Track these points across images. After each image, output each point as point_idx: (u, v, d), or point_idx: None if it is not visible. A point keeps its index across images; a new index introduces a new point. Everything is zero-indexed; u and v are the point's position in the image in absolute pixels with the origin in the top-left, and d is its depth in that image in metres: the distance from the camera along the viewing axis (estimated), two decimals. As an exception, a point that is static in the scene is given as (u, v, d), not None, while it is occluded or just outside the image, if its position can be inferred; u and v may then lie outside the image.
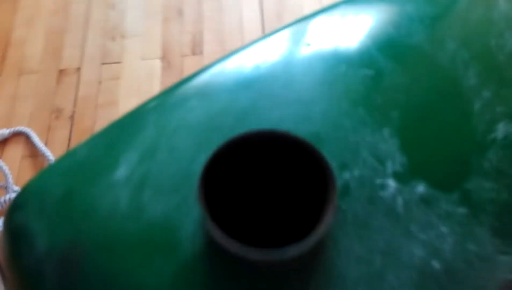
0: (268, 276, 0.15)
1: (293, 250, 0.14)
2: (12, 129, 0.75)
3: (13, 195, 0.68)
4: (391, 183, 0.18)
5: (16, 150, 0.74)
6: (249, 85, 0.23)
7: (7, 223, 0.21)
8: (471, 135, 0.20)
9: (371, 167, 0.18)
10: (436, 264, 0.17)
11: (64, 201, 0.18)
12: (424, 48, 0.24)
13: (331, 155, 0.18)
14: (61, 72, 0.80)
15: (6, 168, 0.70)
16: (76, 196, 0.18)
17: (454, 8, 0.24)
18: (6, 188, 0.69)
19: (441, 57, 0.22)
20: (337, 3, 0.27)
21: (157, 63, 0.79)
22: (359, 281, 0.17)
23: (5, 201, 0.67)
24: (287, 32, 0.26)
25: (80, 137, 0.74)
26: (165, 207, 0.18)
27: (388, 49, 0.24)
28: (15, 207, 0.20)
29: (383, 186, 0.18)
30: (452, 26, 0.24)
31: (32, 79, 0.80)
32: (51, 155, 0.71)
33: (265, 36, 0.27)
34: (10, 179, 0.70)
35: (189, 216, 0.17)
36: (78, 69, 0.80)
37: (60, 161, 0.20)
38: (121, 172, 0.18)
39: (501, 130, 0.20)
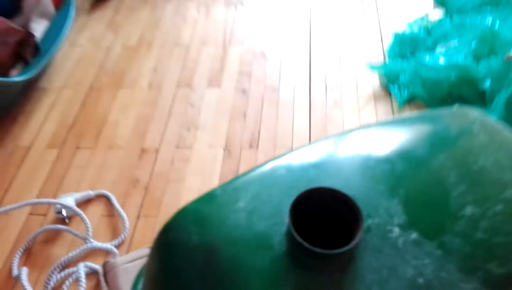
0: (325, 268, 0.28)
1: (342, 249, 0.27)
2: (97, 192, 0.91)
3: (89, 245, 0.82)
4: (396, 230, 0.31)
5: (97, 209, 0.89)
6: (305, 171, 0.37)
7: (161, 241, 0.34)
8: (449, 211, 0.33)
9: (384, 219, 0.31)
10: (420, 280, 0.29)
11: (206, 220, 0.32)
12: (426, 159, 0.38)
13: (362, 209, 0.31)
14: (143, 150, 0.98)
15: (88, 222, 0.86)
16: (213, 217, 0.32)
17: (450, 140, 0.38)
18: (85, 239, 0.83)
19: (434, 165, 0.36)
20: (371, 124, 0.42)
21: (220, 152, 0.97)
22: (372, 284, 0.28)
23: (84, 249, 0.81)
24: (330, 140, 0.41)
25: (150, 204, 0.89)
26: (266, 225, 0.31)
27: (402, 154, 0.38)
28: (170, 227, 0.34)
29: (391, 231, 0.31)
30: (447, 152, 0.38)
31: (119, 153, 0.99)
32: (125, 216, 0.86)
33: (311, 143, 0.41)
34: (90, 232, 0.84)
35: (279, 230, 0.30)
36: (157, 149, 0.98)
37: (202, 197, 0.34)
38: (240, 204, 0.32)
39: (468, 210, 0.33)
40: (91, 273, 0.78)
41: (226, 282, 0.29)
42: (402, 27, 1.16)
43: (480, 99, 0.90)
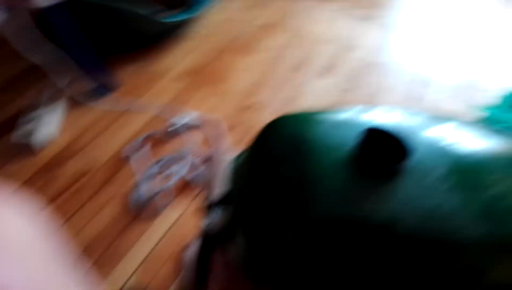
0: (378, 177, 0.41)
1: (394, 164, 0.40)
2: (210, 117, 1.11)
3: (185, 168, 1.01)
4: (437, 174, 0.42)
5: (206, 131, 1.09)
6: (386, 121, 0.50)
7: (264, 128, 0.50)
8: (484, 185, 0.44)
9: (433, 165, 0.43)
10: (443, 209, 0.41)
11: (301, 122, 0.47)
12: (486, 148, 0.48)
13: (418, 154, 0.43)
14: (251, 103, 1.16)
15: (196, 138, 1.05)
16: (306, 121, 0.47)
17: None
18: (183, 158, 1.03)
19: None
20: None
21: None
22: (410, 197, 0.41)
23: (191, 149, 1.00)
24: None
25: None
26: (342, 137, 0.45)
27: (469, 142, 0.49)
28: (274, 121, 0.49)
29: (432, 173, 0.42)
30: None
31: (233, 98, 1.17)
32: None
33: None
34: (195, 144, 1.04)
35: (350, 144, 0.44)
36: (265, 104, 1.15)
37: (301, 112, 0.49)
38: (328, 122, 0.47)
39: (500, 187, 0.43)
40: (185, 177, 0.98)
41: (306, 162, 0.43)
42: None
43: None
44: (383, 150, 0.42)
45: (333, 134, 0.45)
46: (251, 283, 0.47)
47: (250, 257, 0.46)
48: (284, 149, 0.46)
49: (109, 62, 1.27)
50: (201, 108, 1.15)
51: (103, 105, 1.16)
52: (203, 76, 1.25)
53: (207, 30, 1.42)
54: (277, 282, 0.46)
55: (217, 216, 0.58)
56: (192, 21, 1.43)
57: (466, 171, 0.44)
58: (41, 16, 0.99)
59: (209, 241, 0.54)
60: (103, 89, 1.18)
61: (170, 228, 0.90)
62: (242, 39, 1.40)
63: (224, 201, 0.53)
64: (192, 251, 0.67)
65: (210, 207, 0.55)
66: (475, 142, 0.48)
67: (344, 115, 0.49)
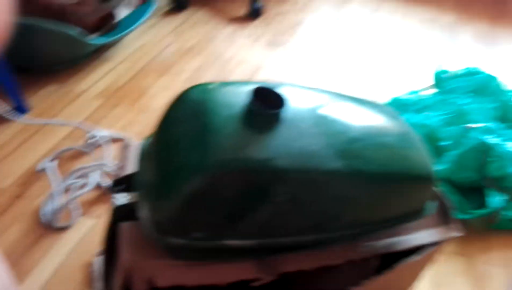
0: (263, 125, 0.51)
1: (273, 111, 0.50)
2: (122, 135, 1.15)
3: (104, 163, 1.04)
4: (308, 123, 0.54)
5: (119, 148, 1.13)
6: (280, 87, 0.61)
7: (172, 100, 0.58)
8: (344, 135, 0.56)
9: (303, 116, 0.54)
10: (311, 149, 0.51)
11: (205, 90, 0.56)
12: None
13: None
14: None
15: (110, 153, 1.09)
16: (210, 89, 0.56)
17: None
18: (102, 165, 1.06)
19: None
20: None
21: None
22: (285, 139, 0.51)
23: (99, 165, 1.04)
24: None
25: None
26: (238, 100, 0.55)
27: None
28: (181, 92, 0.57)
29: (303, 121, 0.54)
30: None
31: (148, 116, 1.24)
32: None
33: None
34: (108, 159, 1.07)
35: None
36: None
37: (208, 82, 0.57)
38: (229, 88, 0.56)
39: (358, 136, 0.56)
40: (99, 187, 1.01)
41: (204, 118, 0.52)
42: (401, 94, 1.41)
43: (437, 154, 1.12)
44: (265, 101, 0.52)
45: (230, 97, 0.55)
46: (161, 253, 0.53)
47: (158, 219, 0.53)
48: (186, 110, 0.55)
49: (26, 81, 1.27)
50: (117, 125, 1.20)
51: (18, 123, 1.16)
52: (120, 96, 1.31)
53: (126, 52, 1.49)
54: (187, 237, 0.52)
55: (124, 195, 0.64)
56: (109, 46, 1.49)
57: (330, 122, 0.56)
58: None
59: (117, 215, 0.59)
60: (19, 108, 1.18)
61: (82, 238, 0.91)
62: (160, 61, 1.48)
63: (130, 179, 0.59)
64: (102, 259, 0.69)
65: (117, 185, 0.61)
66: (338, 104, 0.60)
67: (242, 85, 0.59)
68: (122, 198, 0.65)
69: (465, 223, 0.99)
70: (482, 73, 1.39)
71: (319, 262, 0.61)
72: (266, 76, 1.47)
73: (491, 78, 1.32)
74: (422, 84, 1.49)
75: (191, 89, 0.58)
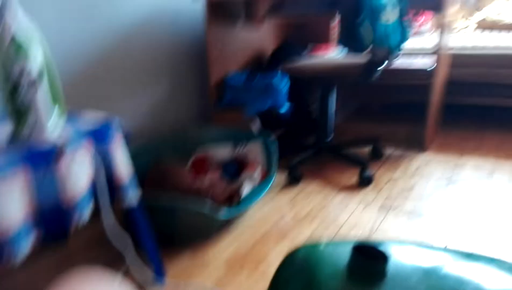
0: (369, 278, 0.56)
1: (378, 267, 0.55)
2: (245, 299, 1.23)
3: None
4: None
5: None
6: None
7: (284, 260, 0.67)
8: None
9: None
10: None
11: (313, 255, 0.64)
12: None
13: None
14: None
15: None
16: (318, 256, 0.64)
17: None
18: None
19: None
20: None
21: None
22: None
23: None
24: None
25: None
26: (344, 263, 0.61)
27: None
28: (292, 253, 0.67)
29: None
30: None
31: (265, 281, 1.31)
32: None
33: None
34: None
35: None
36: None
37: (313, 243, 0.66)
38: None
39: None
40: None
41: (312, 276, 0.59)
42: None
43: None
44: (368, 257, 0.58)
45: (334, 254, 0.62)
46: None
47: None
48: (294, 268, 0.63)
49: (165, 253, 1.49)
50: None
51: (158, 288, 1.33)
52: (243, 262, 1.43)
53: (249, 223, 1.67)
54: None
55: None
56: (235, 219, 1.70)
57: (439, 276, 0.58)
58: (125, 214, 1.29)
59: None
60: (158, 273, 1.37)
61: None
62: (278, 228, 1.62)
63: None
64: None
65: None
66: (461, 265, 0.62)
67: (347, 243, 0.66)
68: None
69: None
70: None
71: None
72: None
73: None
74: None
75: (298, 249, 0.67)
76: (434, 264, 0.60)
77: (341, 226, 1.61)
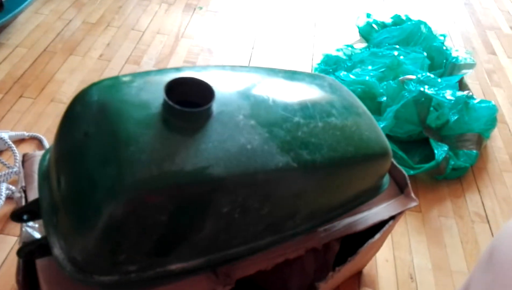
0: (183, 126, 0.41)
1: (195, 109, 0.40)
2: (31, 134, 0.99)
3: (15, 170, 0.89)
4: (240, 116, 0.44)
5: (28, 148, 0.97)
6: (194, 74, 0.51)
7: (69, 104, 0.46)
8: (282, 116, 0.47)
9: (234, 109, 0.45)
10: (248, 146, 0.42)
11: (106, 88, 0.44)
12: (279, 88, 0.52)
13: (218, 99, 0.45)
14: (82, 107, 1.08)
15: (18, 155, 0.93)
16: (111, 87, 0.44)
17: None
18: (12, 168, 0.91)
19: (281, 92, 0.51)
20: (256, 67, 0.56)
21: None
22: (215, 141, 0.42)
23: (9, 173, 0.88)
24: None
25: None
26: (149, 97, 0.43)
27: (265, 81, 0.52)
28: (77, 95, 0.46)
29: (237, 116, 0.44)
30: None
31: (59, 106, 1.08)
32: (53, 157, 0.94)
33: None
34: (17, 163, 0.92)
35: (158, 102, 0.43)
36: (95, 108, 1.08)
37: (107, 78, 0.46)
38: (134, 84, 0.45)
39: (296, 119, 0.47)
40: (13, 197, 0.86)
41: (111, 125, 0.41)
42: (331, 50, 1.36)
43: (377, 110, 1.09)
44: (188, 97, 0.42)
45: (141, 93, 0.44)
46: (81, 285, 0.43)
47: (76, 256, 0.42)
48: (90, 115, 0.43)
49: None
50: (23, 122, 1.03)
51: None
52: (22, 86, 1.12)
53: (21, 35, 1.27)
54: (118, 273, 0.43)
55: (32, 228, 0.52)
56: (2, 29, 1.26)
57: (268, 108, 0.47)
58: None
59: (28, 255, 0.47)
60: None
61: (6, 258, 0.78)
62: (64, 40, 1.29)
63: (34, 206, 0.47)
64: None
65: (19, 214, 0.48)
66: (273, 84, 0.52)
67: (158, 74, 0.48)
68: (31, 229, 0.53)
69: (414, 178, 0.98)
70: (410, 20, 1.37)
71: (277, 259, 0.55)
72: (189, 46, 1.34)
73: (420, 24, 1.30)
74: (351, 38, 1.45)
75: (92, 87, 0.46)
76: (258, 93, 0.48)
77: (143, 32, 1.37)
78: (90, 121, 0.42)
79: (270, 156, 0.43)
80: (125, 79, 0.46)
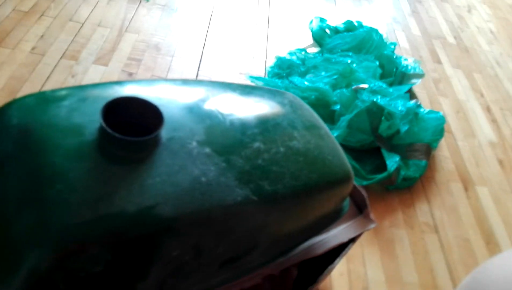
0: (126, 157, 0.34)
1: (139, 138, 0.33)
2: None
3: None
4: (194, 143, 0.38)
5: None
6: (136, 92, 0.44)
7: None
8: (241, 142, 0.42)
9: (186, 134, 0.39)
10: (203, 179, 0.37)
11: (29, 108, 0.37)
12: (241, 107, 0.47)
13: (169, 123, 0.39)
14: (9, 108, 0.96)
15: None
16: (36, 107, 0.36)
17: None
18: None
19: (226, 113, 0.46)
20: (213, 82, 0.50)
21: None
22: (163, 174, 0.35)
23: None
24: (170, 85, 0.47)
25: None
26: (83, 120, 0.36)
27: (221, 102, 0.47)
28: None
29: (189, 143, 0.38)
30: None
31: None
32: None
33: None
34: None
35: (93, 126, 0.36)
36: (25, 109, 0.96)
37: (32, 94, 0.38)
38: (65, 103, 0.37)
39: (256, 144, 0.42)
40: None
41: (33, 156, 0.34)
42: (284, 53, 1.32)
43: (330, 118, 1.07)
44: (131, 118, 0.36)
45: (73, 115, 0.36)
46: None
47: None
48: (9, 145, 0.35)
49: None
50: None
51: None
52: None
53: None
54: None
55: None
56: None
57: (224, 132, 0.42)
58: None
59: None
60: None
61: None
62: (-12, 30, 1.14)
63: None
64: None
65: None
66: (231, 103, 0.46)
67: (90, 91, 0.41)
68: None
69: (365, 188, 0.96)
70: (362, 26, 1.37)
71: (236, 288, 0.50)
72: (134, 42, 1.24)
73: (372, 32, 1.30)
74: (304, 42, 1.42)
75: (12, 106, 0.38)
76: (212, 115, 0.43)
77: (83, 23, 1.26)
78: (8, 149, 0.34)
79: (228, 190, 0.38)
80: (54, 95, 0.38)
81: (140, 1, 1.41)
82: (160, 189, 0.35)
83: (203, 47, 1.31)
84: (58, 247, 0.31)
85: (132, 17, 1.34)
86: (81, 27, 1.24)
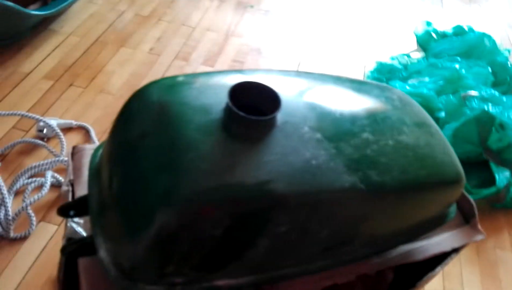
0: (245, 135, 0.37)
1: (259, 118, 0.36)
2: (79, 123, 1.00)
3: (60, 159, 0.89)
4: (306, 128, 0.41)
5: (76, 137, 0.97)
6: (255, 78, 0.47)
7: (126, 103, 0.44)
8: (351, 131, 0.43)
9: (300, 120, 0.41)
10: (313, 162, 0.38)
11: (166, 88, 0.42)
12: (348, 99, 0.48)
13: (284, 108, 0.42)
14: (130, 100, 1.07)
15: (64, 144, 0.93)
16: (172, 87, 0.42)
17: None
18: (58, 156, 0.91)
19: (352, 106, 0.47)
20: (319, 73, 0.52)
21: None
22: (278, 154, 0.38)
23: (55, 161, 0.88)
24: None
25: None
26: (211, 101, 0.40)
27: (332, 93, 0.48)
28: (135, 93, 0.43)
29: (302, 128, 0.41)
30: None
31: (108, 98, 1.08)
32: (98, 148, 0.94)
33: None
34: (64, 152, 0.92)
35: (220, 106, 0.40)
36: (142, 102, 1.07)
37: (168, 77, 0.43)
38: (196, 85, 0.42)
39: (365, 135, 0.43)
40: (57, 185, 0.86)
41: (170, 129, 0.38)
42: (385, 58, 1.29)
43: (433, 126, 1.02)
44: (253, 104, 0.39)
45: (202, 96, 0.41)
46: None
47: (122, 262, 0.40)
48: (147, 116, 0.41)
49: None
50: (72, 110, 1.03)
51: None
52: (72, 75, 1.13)
53: (74, 24, 1.29)
54: (164, 283, 0.40)
55: (77, 224, 0.50)
56: (55, 17, 1.28)
57: (335, 120, 0.43)
58: None
59: (72, 253, 0.46)
60: None
61: (44, 248, 0.78)
62: (115, 31, 1.29)
63: (82, 203, 0.46)
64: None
65: (66, 211, 0.47)
66: (341, 94, 0.48)
67: (214, 77, 0.45)
68: (76, 225, 0.51)
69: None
70: (473, 31, 1.29)
71: (325, 282, 0.51)
72: (238, 45, 1.32)
73: (483, 37, 1.22)
74: (407, 47, 1.38)
75: (152, 85, 0.43)
76: (324, 103, 0.44)
77: (194, 28, 1.36)
78: (149, 121, 0.40)
79: (336, 175, 0.39)
80: (185, 79, 0.43)
81: (246, 8, 1.49)
82: (275, 167, 0.37)
83: (302, 51, 1.34)
84: (189, 207, 0.35)
85: (238, 22, 1.42)
86: (192, 31, 1.34)
